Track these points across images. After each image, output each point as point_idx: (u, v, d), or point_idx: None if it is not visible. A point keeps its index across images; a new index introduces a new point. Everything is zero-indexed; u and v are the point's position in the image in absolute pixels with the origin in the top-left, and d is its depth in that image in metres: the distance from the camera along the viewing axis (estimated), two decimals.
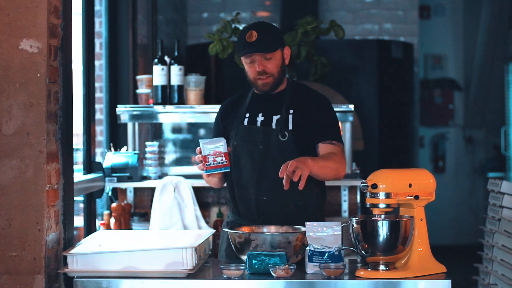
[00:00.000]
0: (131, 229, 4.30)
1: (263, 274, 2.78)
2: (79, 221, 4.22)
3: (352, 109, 4.36)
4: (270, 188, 3.22)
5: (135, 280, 2.76)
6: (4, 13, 2.81)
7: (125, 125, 4.62)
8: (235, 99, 3.43)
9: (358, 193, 4.37)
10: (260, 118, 3.30)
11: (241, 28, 4.41)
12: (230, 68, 5.61)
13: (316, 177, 3.17)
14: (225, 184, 3.42)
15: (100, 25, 5.02)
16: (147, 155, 4.42)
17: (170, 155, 5.36)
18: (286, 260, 2.79)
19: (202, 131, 5.40)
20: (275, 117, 3.28)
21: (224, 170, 3.19)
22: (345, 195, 4.35)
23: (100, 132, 5.01)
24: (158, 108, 4.42)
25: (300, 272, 2.81)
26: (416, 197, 2.82)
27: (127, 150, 4.50)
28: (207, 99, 4.60)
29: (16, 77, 2.80)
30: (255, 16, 7.35)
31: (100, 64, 5.02)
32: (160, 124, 5.40)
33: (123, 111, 4.46)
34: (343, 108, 4.36)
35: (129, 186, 4.37)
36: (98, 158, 4.61)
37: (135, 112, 4.46)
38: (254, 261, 2.79)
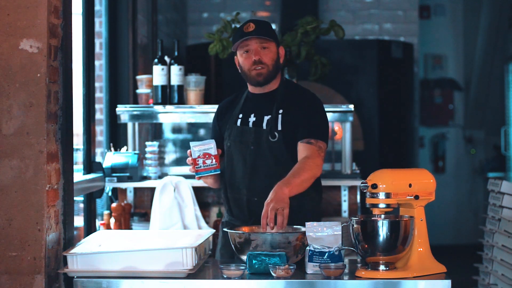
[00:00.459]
0: (131, 229, 4.30)
1: (263, 274, 2.78)
2: (79, 221, 4.22)
3: (352, 109, 4.36)
4: (261, 189, 3.20)
5: (135, 280, 2.76)
6: (4, 13, 2.81)
7: (125, 125, 4.62)
8: (231, 100, 3.44)
9: (358, 193, 4.36)
10: (252, 118, 3.30)
11: None
12: (230, 68, 5.60)
13: (299, 192, 3.13)
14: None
15: (100, 25, 5.02)
16: (147, 155, 4.42)
17: (170, 155, 5.36)
18: (286, 260, 2.79)
19: (202, 131, 5.40)
20: (266, 118, 3.27)
21: (214, 172, 3.16)
22: (345, 195, 4.35)
23: (100, 132, 5.01)
24: (158, 108, 4.42)
25: (300, 272, 2.81)
26: (416, 197, 2.82)
27: (127, 150, 4.50)
28: (207, 99, 4.60)
29: (16, 77, 2.80)
30: (255, 16, 7.35)
31: (100, 64, 5.02)
32: (160, 124, 5.40)
33: (123, 111, 4.46)
34: (343, 108, 4.36)
35: (129, 186, 4.37)
36: (98, 158, 4.61)
37: (135, 112, 4.46)
38: (254, 261, 2.79)
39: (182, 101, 4.42)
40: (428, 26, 8.91)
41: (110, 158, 4.35)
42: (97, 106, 4.78)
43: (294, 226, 3.04)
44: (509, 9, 8.44)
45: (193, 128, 5.46)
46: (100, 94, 5.00)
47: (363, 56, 6.88)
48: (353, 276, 2.78)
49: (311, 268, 2.80)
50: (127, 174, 4.30)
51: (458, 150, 9.19)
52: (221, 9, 7.72)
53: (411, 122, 7.48)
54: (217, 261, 3.18)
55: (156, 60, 4.42)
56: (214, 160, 3.14)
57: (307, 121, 3.23)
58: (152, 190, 4.36)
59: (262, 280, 2.74)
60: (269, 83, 3.29)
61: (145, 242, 2.94)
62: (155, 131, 5.42)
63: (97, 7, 4.85)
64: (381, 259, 2.74)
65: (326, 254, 2.78)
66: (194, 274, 2.78)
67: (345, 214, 4.35)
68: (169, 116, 4.49)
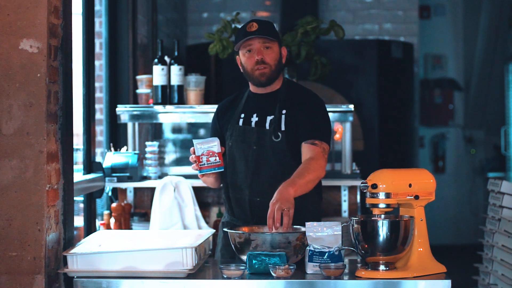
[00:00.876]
0: (131, 229, 4.30)
1: (263, 274, 2.78)
2: (79, 221, 4.22)
3: (352, 109, 4.36)
4: (264, 189, 3.20)
5: (135, 280, 2.76)
6: (4, 13, 2.81)
7: (125, 125, 4.62)
8: (232, 100, 3.43)
9: (358, 193, 4.36)
10: (254, 118, 3.30)
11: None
12: (230, 68, 5.60)
13: (303, 193, 3.13)
14: (222, 184, 3.42)
15: (100, 25, 5.02)
16: (147, 155, 4.42)
17: (170, 155, 5.36)
18: (286, 260, 2.79)
19: (202, 131, 5.40)
20: (269, 118, 3.27)
21: (218, 170, 3.17)
22: (345, 195, 4.35)
23: (100, 132, 5.01)
24: (158, 108, 4.42)
25: (300, 272, 2.81)
26: (416, 197, 2.82)
27: (127, 150, 4.50)
28: (207, 99, 4.60)
29: (16, 77, 2.80)
30: (255, 16, 7.35)
31: (100, 64, 5.02)
32: (160, 124, 5.40)
33: (123, 111, 4.46)
34: (343, 108, 4.36)
35: (129, 186, 4.36)
36: (98, 158, 4.61)
37: (135, 112, 4.46)
38: (254, 261, 2.79)
39: (182, 101, 4.42)
40: (428, 26, 8.91)
41: (110, 158, 4.35)
42: (97, 106, 4.78)
43: (294, 226, 3.04)
44: (509, 9, 8.44)
45: (193, 128, 5.47)
46: (100, 94, 5.00)
47: (363, 56, 6.88)
48: (353, 276, 2.78)
49: (311, 268, 2.80)
50: (127, 174, 4.30)
51: (458, 150, 9.19)
52: (221, 9, 7.72)
53: (411, 122, 7.48)
54: (217, 261, 3.18)
55: (156, 60, 4.42)
56: (217, 158, 3.15)
57: (311, 122, 3.23)
58: (152, 190, 4.36)
59: (262, 280, 2.74)
60: (271, 83, 3.29)
61: (145, 242, 2.94)
62: (155, 131, 5.42)
63: (97, 7, 4.85)
64: (381, 259, 2.74)
65: (326, 254, 2.78)
66: (194, 274, 2.78)
67: (345, 214, 4.35)
68: (169, 116, 4.49)
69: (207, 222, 4.36)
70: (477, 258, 4.19)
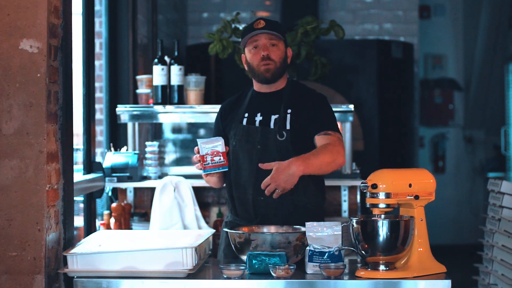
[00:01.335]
0: (131, 229, 4.30)
1: (263, 274, 2.78)
2: (79, 221, 4.22)
3: (352, 109, 4.36)
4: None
5: (135, 280, 2.76)
6: (4, 13, 2.81)
7: (125, 125, 4.62)
8: (235, 99, 3.43)
9: (358, 193, 4.36)
10: (258, 118, 3.30)
11: (241, 28, 4.41)
12: (230, 68, 5.60)
13: (316, 174, 3.16)
14: (224, 184, 3.42)
15: (100, 25, 5.02)
16: (147, 155, 4.42)
17: (170, 155, 5.35)
18: (286, 260, 2.79)
19: (202, 131, 5.40)
20: (274, 117, 3.28)
21: (222, 169, 3.18)
22: (345, 195, 4.35)
23: (100, 132, 5.01)
24: (158, 108, 4.42)
25: (300, 272, 2.81)
26: (416, 197, 2.82)
27: (127, 150, 4.50)
28: (207, 99, 4.60)
29: (16, 77, 2.80)
30: (255, 16, 7.34)
31: (100, 64, 5.02)
32: (160, 124, 5.40)
33: (123, 111, 4.46)
34: (343, 108, 4.36)
35: (129, 186, 4.36)
36: (98, 158, 4.61)
37: (135, 112, 4.46)
38: (254, 261, 2.79)
39: (182, 101, 4.42)
40: (428, 26, 8.91)
41: (110, 158, 4.35)
42: (97, 106, 4.78)
43: (294, 226, 3.04)
44: (509, 9, 8.43)
45: (193, 128, 5.46)
46: (100, 94, 5.00)
47: (363, 56, 6.88)
48: (353, 276, 2.78)
49: (311, 268, 2.80)
50: (127, 174, 4.30)
51: (458, 150, 9.19)
52: (221, 9, 7.72)
53: (411, 122, 7.48)
54: (218, 261, 3.18)
55: (156, 60, 4.42)
56: (222, 157, 3.16)
57: (320, 117, 3.25)
58: (152, 190, 4.36)
59: (262, 280, 2.74)
60: (276, 81, 3.30)
61: (145, 242, 2.94)
62: (155, 131, 5.42)
63: (97, 7, 4.85)
64: (381, 259, 2.74)
65: (326, 254, 2.78)
66: (194, 274, 2.78)
67: (345, 214, 4.35)
68: (169, 116, 4.49)
69: (207, 222, 4.36)
70: (477, 258, 4.19)
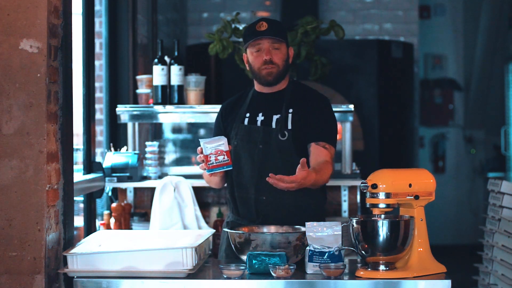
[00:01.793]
0: (131, 229, 4.30)
1: (263, 274, 2.78)
2: (79, 221, 4.22)
3: (352, 109, 4.36)
4: (269, 188, 3.21)
5: (135, 280, 2.76)
6: (4, 13, 2.81)
7: (125, 125, 4.62)
8: (236, 99, 3.43)
9: (358, 193, 4.36)
10: (260, 117, 3.30)
11: (241, 28, 4.41)
12: (230, 68, 5.61)
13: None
14: (225, 184, 3.42)
15: (100, 25, 5.02)
16: (147, 155, 4.42)
17: (170, 155, 5.36)
18: (286, 260, 2.79)
19: (202, 131, 5.41)
20: (275, 117, 3.28)
21: (226, 168, 3.18)
22: (345, 195, 4.35)
23: (100, 132, 5.01)
24: (158, 108, 4.42)
25: (300, 272, 2.81)
26: (416, 197, 2.82)
27: (127, 150, 4.50)
28: (207, 99, 4.60)
29: (16, 77, 2.80)
30: (255, 16, 7.34)
31: (100, 64, 5.02)
32: (160, 124, 5.40)
33: (123, 111, 4.46)
34: (343, 108, 4.36)
35: (129, 186, 4.36)
36: (98, 158, 4.61)
37: (135, 112, 4.46)
38: (254, 261, 2.79)
39: (182, 101, 4.42)
40: (428, 26, 8.91)
41: (110, 158, 4.35)
42: (97, 106, 4.78)
43: (294, 226, 3.04)
44: (509, 9, 8.43)
45: (193, 128, 5.47)
46: (100, 94, 5.00)
47: (363, 56, 6.88)
48: (353, 276, 2.78)
49: (311, 268, 2.80)
50: (127, 174, 4.30)
51: (458, 150, 9.19)
52: (221, 9, 7.72)
53: (411, 122, 7.48)
54: (218, 261, 3.18)
55: (156, 60, 4.42)
56: (225, 156, 3.15)
57: (320, 124, 3.25)
58: (152, 190, 4.36)
59: (262, 280, 2.74)
60: (278, 83, 3.30)
61: (145, 242, 2.94)
62: (155, 131, 5.42)
63: (97, 7, 4.85)
64: (381, 259, 2.74)
65: (326, 254, 2.78)
66: (194, 274, 2.78)
67: (345, 214, 4.35)
68: (169, 116, 4.49)
69: (207, 222, 4.36)
70: (477, 258, 4.19)
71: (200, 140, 3.16)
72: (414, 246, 2.80)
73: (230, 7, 7.63)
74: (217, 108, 3.52)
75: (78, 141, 4.23)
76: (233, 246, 2.95)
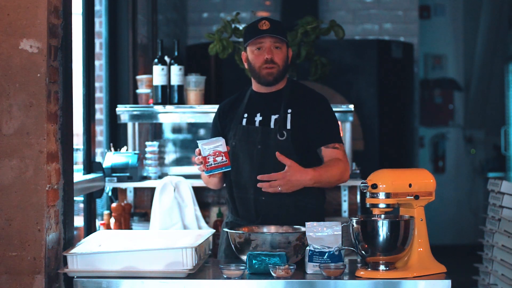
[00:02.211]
0: (131, 229, 4.30)
1: (263, 274, 2.78)
2: (79, 221, 4.22)
3: (352, 109, 4.36)
4: None
5: (135, 280, 2.76)
6: (4, 13, 2.81)
7: (125, 125, 4.62)
8: (233, 100, 3.43)
9: (358, 193, 4.36)
10: (258, 118, 3.30)
11: (241, 28, 4.41)
12: (230, 68, 5.60)
13: (324, 187, 3.24)
14: (224, 185, 3.42)
15: (100, 25, 5.02)
16: (147, 155, 4.42)
17: (170, 155, 5.35)
18: (286, 260, 2.79)
19: (202, 131, 5.40)
20: (274, 117, 3.27)
21: (225, 169, 3.17)
22: (345, 195, 4.35)
23: (100, 132, 5.00)
24: (158, 108, 4.42)
25: (300, 272, 2.81)
26: (416, 197, 2.82)
27: (127, 150, 4.50)
28: (207, 99, 4.60)
29: (16, 77, 2.80)
30: (255, 16, 7.34)
31: (100, 64, 5.02)
32: (160, 124, 5.40)
33: (123, 111, 4.46)
34: (343, 108, 4.36)
35: (129, 186, 4.36)
36: (98, 158, 4.61)
37: (135, 112, 4.46)
38: (254, 261, 2.79)
39: (182, 101, 4.42)
40: (428, 26, 8.91)
41: (110, 158, 4.35)
42: (97, 106, 4.78)
43: (294, 226, 3.04)
44: (509, 9, 8.44)
45: (193, 128, 5.46)
46: (100, 94, 5.00)
47: (363, 56, 6.88)
48: (353, 276, 2.78)
49: (311, 268, 2.80)
50: (127, 174, 4.30)
51: (458, 150, 9.19)
52: (221, 9, 7.72)
53: (411, 122, 7.48)
54: (218, 261, 3.18)
55: (156, 60, 4.42)
56: (224, 157, 3.14)
57: (325, 126, 3.26)
58: (152, 190, 4.36)
59: (262, 280, 2.74)
60: (277, 83, 3.30)
61: (145, 242, 2.94)
62: (155, 131, 5.42)
63: (97, 7, 4.84)
64: (381, 259, 2.74)
65: (326, 254, 2.78)
66: (194, 274, 2.78)
67: (345, 214, 4.35)
68: (169, 116, 4.49)
69: (207, 222, 4.36)
70: (477, 258, 4.19)
71: (198, 141, 3.15)
72: (414, 246, 2.80)
73: (230, 7, 7.63)
74: (216, 108, 3.52)
75: (78, 141, 4.23)
76: (233, 246, 2.95)
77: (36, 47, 2.81)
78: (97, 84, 4.78)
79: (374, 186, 2.79)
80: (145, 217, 4.37)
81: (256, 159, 3.24)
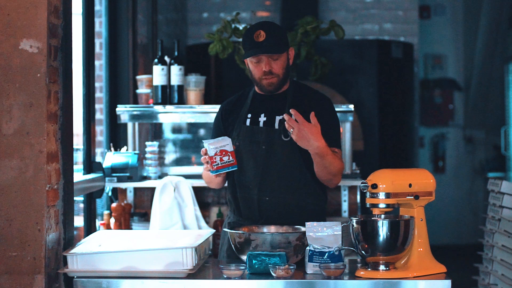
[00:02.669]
0: (131, 229, 4.30)
1: (263, 274, 2.78)
2: (79, 221, 4.22)
3: (352, 109, 4.36)
4: (273, 188, 3.22)
5: (135, 280, 2.76)
6: (4, 13, 2.81)
7: (125, 125, 4.62)
8: (235, 99, 3.42)
9: (358, 193, 4.36)
10: (262, 118, 3.30)
11: (241, 28, 4.41)
12: (230, 68, 5.61)
13: (317, 169, 3.18)
14: (225, 184, 3.41)
15: (100, 25, 5.02)
16: (147, 155, 4.42)
17: (170, 155, 5.36)
18: (286, 260, 2.79)
19: (202, 131, 5.40)
20: (278, 117, 3.27)
21: (232, 169, 3.16)
22: (345, 195, 4.35)
23: (100, 132, 5.01)
24: (158, 108, 4.42)
25: (300, 272, 2.81)
26: (416, 197, 2.82)
27: (127, 150, 4.50)
28: (207, 99, 4.60)
29: (16, 77, 2.80)
30: (255, 16, 7.35)
31: (100, 64, 5.02)
32: (160, 124, 5.40)
33: (123, 111, 4.46)
34: (343, 108, 4.36)
35: (129, 186, 4.36)
36: (98, 158, 4.61)
37: (135, 112, 4.46)
38: (254, 261, 2.79)
39: (182, 101, 4.42)
40: (428, 26, 8.91)
41: (110, 158, 4.35)
42: (97, 106, 4.78)
43: (294, 226, 3.04)
44: (509, 9, 8.43)
45: (193, 128, 5.46)
46: (100, 94, 5.00)
47: (363, 56, 6.88)
48: (353, 276, 2.78)
49: (311, 268, 2.80)
50: (127, 174, 4.30)
51: (458, 150, 9.19)
52: (221, 9, 7.72)
53: (411, 122, 7.48)
54: (218, 261, 3.18)
55: (156, 60, 4.42)
56: (230, 157, 3.13)
57: (327, 129, 3.24)
58: (152, 190, 4.36)
59: (262, 280, 2.74)
60: (279, 90, 3.29)
61: (145, 242, 2.94)
62: (155, 131, 5.42)
63: (97, 7, 4.85)
64: (381, 259, 2.74)
65: (326, 254, 2.79)
66: (194, 274, 2.78)
67: (345, 214, 4.35)
68: (169, 116, 4.49)
69: (207, 222, 4.36)
70: (477, 258, 4.19)
71: (204, 141, 3.14)
72: (414, 246, 2.80)
73: (230, 7, 7.63)
74: (217, 108, 3.52)
75: (78, 141, 4.23)
76: (233, 246, 2.95)
77: (36, 47, 2.81)
78: (97, 84, 4.79)
79: (374, 186, 2.79)
80: (145, 217, 4.37)
81: (260, 160, 3.24)
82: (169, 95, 4.41)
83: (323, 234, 2.80)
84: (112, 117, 4.89)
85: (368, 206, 2.85)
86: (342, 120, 4.35)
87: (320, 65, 4.53)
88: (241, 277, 2.75)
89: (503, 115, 8.37)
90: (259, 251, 2.83)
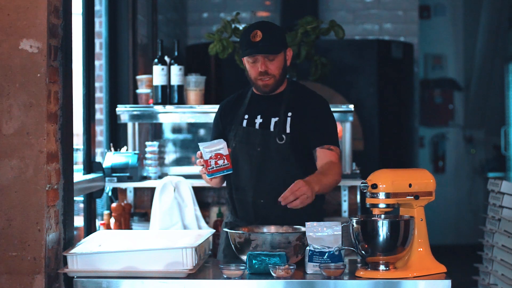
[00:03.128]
0: (131, 229, 4.30)
1: (263, 274, 2.78)
2: (79, 221, 4.22)
3: (352, 109, 4.36)
4: (268, 190, 3.21)
5: (135, 280, 2.76)
6: (4, 13, 2.81)
7: (125, 125, 4.62)
8: (234, 99, 3.42)
9: (358, 193, 4.36)
10: (258, 120, 3.29)
11: (241, 28, 4.41)
12: (230, 68, 5.61)
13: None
14: (224, 183, 3.41)
15: (100, 25, 5.02)
16: (147, 155, 4.42)
17: (170, 155, 5.36)
18: (286, 260, 2.79)
19: (202, 131, 5.40)
20: (274, 120, 3.26)
21: (227, 172, 3.13)
22: (345, 195, 4.35)
23: (100, 132, 5.01)
24: (158, 108, 4.42)
25: (300, 272, 2.81)
26: (416, 197, 2.82)
27: (127, 150, 4.50)
28: (207, 99, 4.60)
29: (16, 77, 2.80)
30: (255, 16, 7.35)
31: (100, 64, 5.02)
32: (160, 124, 5.40)
33: (123, 111, 4.46)
34: (343, 108, 4.36)
35: (129, 186, 4.36)
36: (98, 158, 4.61)
37: (135, 112, 4.46)
38: (254, 261, 2.79)
39: (182, 101, 4.42)
40: (428, 26, 8.91)
41: (110, 158, 4.35)
42: (97, 106, 4.78)
43: (294, 226, 3.04)
44: (509, 9, 8.43)
45: (193, 128, 5.46)
46: (100, 94, 5.00)
47: (363, 56, 6.88)
48: (353, 276, 2.78)
49: (311, 268, 2.80)
50: (127, 174, 4.30)
51: (458, 150, 9.19)
52: (221, 9, 7.72)
53: (411, 122, 7.48)
54: (218, 261, 3.18)
55: (156, 60, 4.42)
56: (225, 160, 3.11)
57: (322, 127, 3.23)
58: (152, 190, 4.36)
59: (262, 280, 2.74)
60: (276, 91, 3.29)
61: (145, 242, 2.94)
62: (155, 131, 5.42)
63: (97, 7, 4.84)
64: (381, 259, 2.74)
65: (326, 254, 2.78)
66: (194, 274, 2.78)
67: (345, 214, 4.35)
68: (169, 116, 4.49)
69: (207, 222, 4.36)
70: (477, 258, 4.19)
71: (199, 144, 3.13)
72: (414, 246, 2.80)
73: (230, 7, 7.63)
74: (217, 108, 3.51)
75: (78, 141, 4.23)
76: (233, 246, 2.95)
77: (36, 47, 2.81)
78: (97, 84, 4.78)
79: (374, 186, 2.79)
80: (145, 217, 4.37)
81: (255, 162, 3.24)
82: (169, 95, 4.41)
83: (323, 234, 2.80)
84: (112, 117, 4.89)
85: (368, 206, 2.85)
86: (342, 120, 4.35)
87: (320, 65, 4.53)
88: (241, 277, 2.75)
89: (503, 115, 8.37)
90: (259, 251, 2.83)
